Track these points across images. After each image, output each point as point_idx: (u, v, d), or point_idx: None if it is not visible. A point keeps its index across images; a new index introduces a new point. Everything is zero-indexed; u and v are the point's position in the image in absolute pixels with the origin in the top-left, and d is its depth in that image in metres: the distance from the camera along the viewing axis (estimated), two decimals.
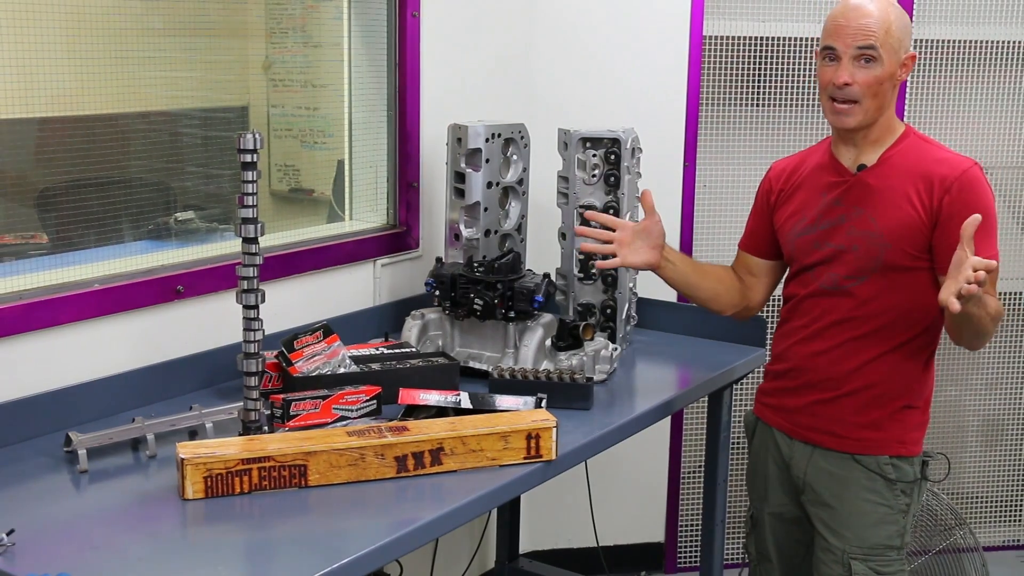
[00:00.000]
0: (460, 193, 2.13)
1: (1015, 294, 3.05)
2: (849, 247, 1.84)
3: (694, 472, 2.97)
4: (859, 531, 1.88)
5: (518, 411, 1.68)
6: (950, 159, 1.82)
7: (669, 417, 2.75)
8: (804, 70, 2.81)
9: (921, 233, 1.79)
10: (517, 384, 1.83)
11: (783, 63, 2.80)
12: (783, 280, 2.03)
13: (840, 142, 1.89)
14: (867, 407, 1.88)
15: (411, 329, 2.05)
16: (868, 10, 1.78)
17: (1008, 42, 2.89)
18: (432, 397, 1.72)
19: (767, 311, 2.82)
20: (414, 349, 1.99)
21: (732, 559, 2.86)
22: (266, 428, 1.62)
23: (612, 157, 2.15)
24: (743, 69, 2.81)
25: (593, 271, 2.21)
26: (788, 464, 1.97)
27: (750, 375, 2.35)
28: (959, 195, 1.77)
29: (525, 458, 1.57)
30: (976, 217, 1.60)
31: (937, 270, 1.80)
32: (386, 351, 1.95)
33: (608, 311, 2.21)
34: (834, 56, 1.80)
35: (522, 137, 2.19)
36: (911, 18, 2.78)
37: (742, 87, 2.83)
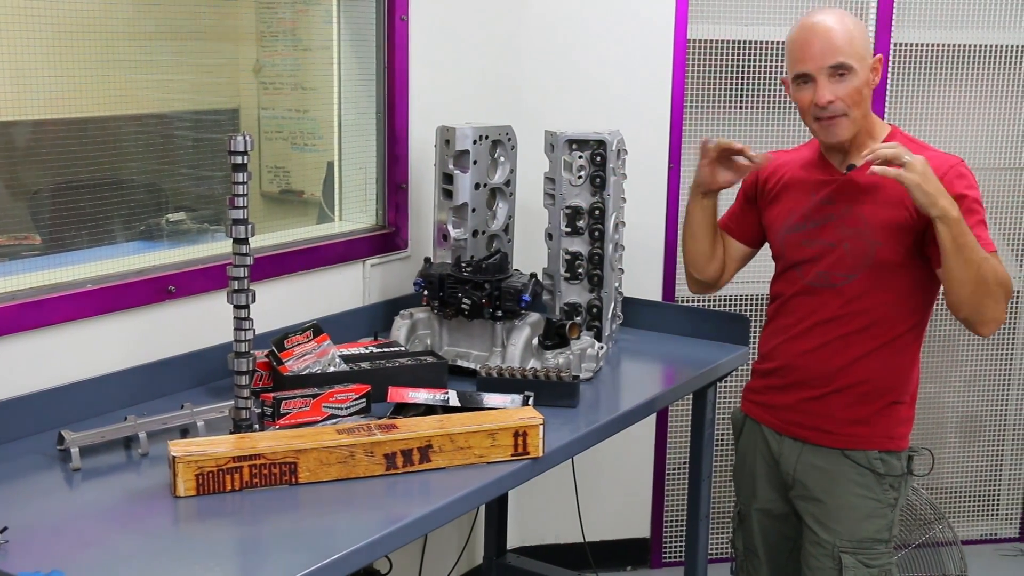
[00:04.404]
0: (448, 194, 2.15)
1: None
2: (839, 244, 1.86)
3: (679, 468, 3.00)
4: (849, 525, 1.91)
5: (505, 409, 1.69)
6: (938, 156, 1.85)
7: (654, 414, 2.78)
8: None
9: (911, 230, 1.81)
10: (504, 382, 1.84)
11: (766, 66, 2.83)
12: (770, 279, 2.06)
13: (828, 146, 1.91)
14: (856, 403, 1.90)
15: (400, 328, 2.07)
16: (827, 26, 1.79)
17: (986, 46, 2.93)
18: (421, 395, 1.73)
19: (752, 310, 2.86)
20: (403, 348, 2.01)
21: (716, 554, 2.89)
22: (257, 426, 1.63)
23: (598, 159, 2.18)
24: (727, 72, 2.84)
25: (587, 268, 2.23)
26: (777, 461, 2.00)
27: (734, 373, 2.38)
28: (951, 188, 1.78)
29: (512, 455, 1.59)
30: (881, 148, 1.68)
31: (933, 263, 1.82)
32: (375, 350, 1.96)
33: (594, 310, 2.24)
34: (808, 79, 1.81)
35: (509, 139, 2.22)
36: (890, 22, 2.83)
37: (726, 90, 2.85)
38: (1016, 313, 3.12)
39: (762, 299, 2.78)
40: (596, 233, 2.20)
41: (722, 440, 2.82)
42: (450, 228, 2.16)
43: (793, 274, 1.94)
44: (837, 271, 1.88)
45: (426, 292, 2.06)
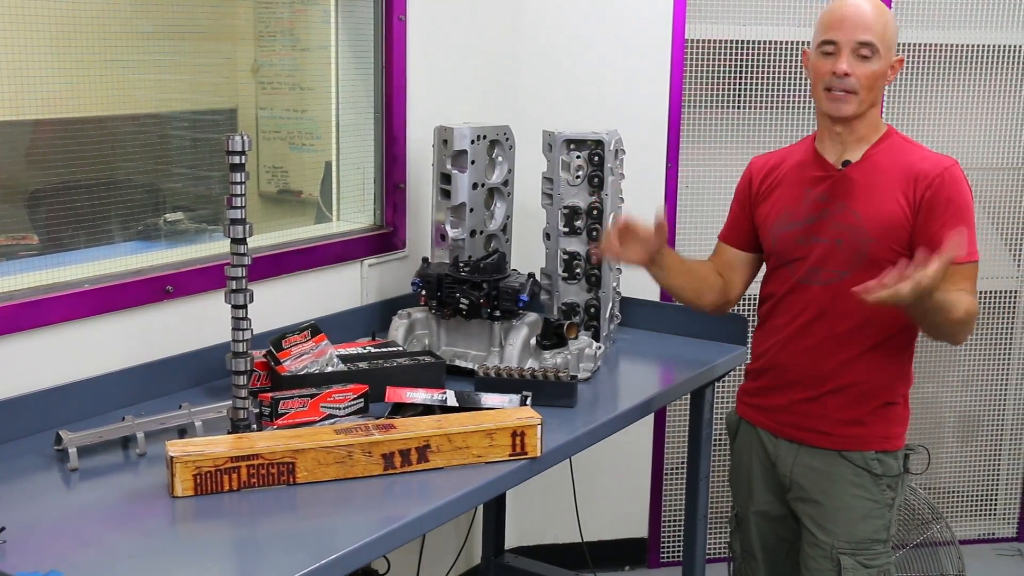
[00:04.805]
0: (446, 194, 2.16)
1: (990, 292, 3.10)
2: (833, 242, 1.87)
3: (677, 468, 3.00)
4: (847, 526, 1.91)
5: (503, 409, 1.70)
6: (932, 157, 1.86)
7: (652, 414, 2.78)
8: (785, 73, 2.84)
9: (904, 229, 1.82)
10: (502, 382, 1.84)
11: (764, 66, 2.83)
12: (761, 279, 2.06)
13: (826, 138, 1.91)
14: (851, 404, 1.90)
15: (398, 328, 2.07)
16: (866, 8, 1.83)
17: (984, 46, 2.93)
18: (419, 395, 1.73)
19: (746, 310, 2.86)
20: (401, 348, 2.01)
21: (714, 554, 2.90)
22: (255, 426, 1.63)
23: (596, 159, 2.18)
24: (725, 72, 2.84)
25: (584, 268, 2.24)
26: (774, 463, 2.00)
27: (732, 373, 2.38)
28: (940, 190, 1.81)
29: (510, 455, 1.59)
30: (958, 242, 1.64)
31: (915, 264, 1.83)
32: (373, 350, 1.96)
33: (592, 310, 2.24)
34: (833, 49, 1.83)
35: (507, 139, 2.22)
36: None
37: (724, 90, 2.86)
38: (1014, 313, 3.13)
39: (754, 299, 2.78)
40: (594, 233, 2.21)
41: (720, 440, 2.81)
42: (448, 228, 2.16)
43: (785, 272, 1.94)
44: (829, 268, 1.88)
45: (424, 292, 2.06)
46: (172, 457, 1.43)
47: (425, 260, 2.16)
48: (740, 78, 2.84)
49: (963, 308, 1.75)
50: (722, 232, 2.08)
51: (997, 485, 3.22)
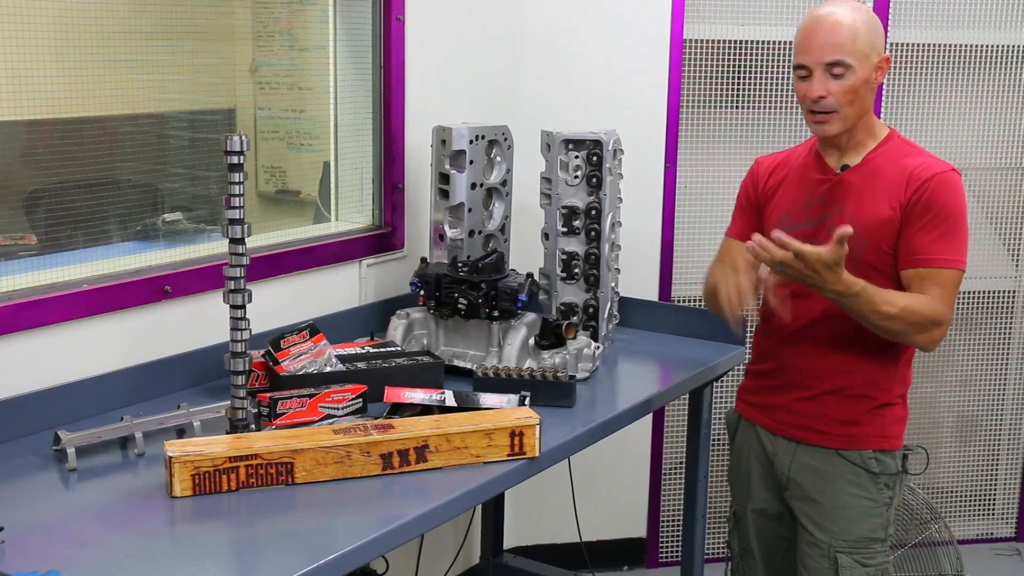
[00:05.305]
0: (444, 194, 2.16)
1: (987, 292, 3.10)
2: None
3: (675, 468, 3.01)
4: (844, 524, 1.91)
5: (502, 409, 1.70)
6: (929, 162, 1.86)
7: (651, 414, 2.78)
8: (783, 73, 2.85)
9: (894, 230, 1.82)
10: (501, 382, 1.85)
11: (762, 66, 2.84)
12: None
13: (825, 145, 1.92)
14: (849, 403, 1.91)
15: (396, 328, 2.07)
16: (835, 20, 1.79)
17: (983, 46, 2.94)
18: (417, 395, 1.73)
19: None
20: (399, 348, 2.01)
21: (713, 554, 2.90)
22: (253, 426, 1.63)
23: (594, 158, 2.18)
24: (723, 72, 2.84)
25: (583, 268, 2.24)
26: (772, 461, 2.00)
27: (730, 372, 2.38)
28: (926, 193, 1.80)
29: (509, 455, 1.59)
30: (846, 229, 1.64)
31: (898, 264, 1.84)
32: (372, 350, 1.96)
33: (590, 310, 2.24)
34: (806, 73, 1.82)
35: (505, 139, 2.22)
36: (886, 22, 2.83)
37: (722, 90, 2.86)
38: (1011, 314, 3.13)
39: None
40: (592, 233, 2.21)
41: (718, 440, 2.82)
42: (446, 228, 2.16)
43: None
44: None
45: (422, 292, 2.06)
46: (171, 457, 1.43)
47: (424, 260, 2.16)
48: (738, 78, 2.84)
49: (900, 305, 1.74)
50: (732, 229, 2.05)
51: (995, 485, 3.22)
